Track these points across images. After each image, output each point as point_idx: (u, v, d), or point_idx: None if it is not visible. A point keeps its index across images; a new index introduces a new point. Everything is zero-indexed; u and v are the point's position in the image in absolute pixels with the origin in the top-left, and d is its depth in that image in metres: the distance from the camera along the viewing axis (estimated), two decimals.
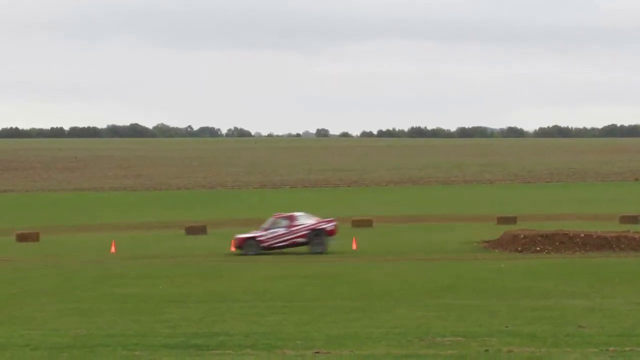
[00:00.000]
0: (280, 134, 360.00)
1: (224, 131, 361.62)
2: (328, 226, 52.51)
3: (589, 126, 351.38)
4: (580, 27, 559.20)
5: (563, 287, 33.56)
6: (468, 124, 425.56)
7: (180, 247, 56.78)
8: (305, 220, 52.66)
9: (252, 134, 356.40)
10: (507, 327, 20.47)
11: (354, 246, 53.70)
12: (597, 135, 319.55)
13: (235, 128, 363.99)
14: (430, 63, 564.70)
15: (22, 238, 61.61)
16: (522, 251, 50.89)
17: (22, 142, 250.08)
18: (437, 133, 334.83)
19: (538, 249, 51.06)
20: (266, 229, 52.55)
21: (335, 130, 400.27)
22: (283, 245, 52.17)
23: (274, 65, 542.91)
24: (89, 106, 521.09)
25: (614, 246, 50.79)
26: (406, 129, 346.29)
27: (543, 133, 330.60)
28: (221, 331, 19.95)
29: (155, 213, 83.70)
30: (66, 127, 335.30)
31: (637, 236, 51.79)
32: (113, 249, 54.27)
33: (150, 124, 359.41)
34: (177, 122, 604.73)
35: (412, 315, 24.18)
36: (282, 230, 52.16)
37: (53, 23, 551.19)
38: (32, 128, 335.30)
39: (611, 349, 16.36)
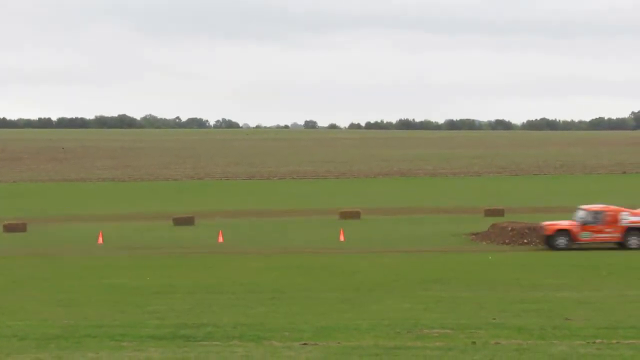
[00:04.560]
0: (269, 125, 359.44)
1: (212, 122, 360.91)
2: None
3: (576, 119, 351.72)
4: (568, 19, 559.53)
5: (551, 279, 33.65)
6: (456, 116, 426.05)
7: (168, 238, 56.70)
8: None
9: (240, 125, 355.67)
10: (494, 319, 20.50)
11: (342, 238, 53.72)
12: (585, 128, 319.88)
13: (224, 119, 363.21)
14: (418, 55, 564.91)
15: (9, 228, 61.41)
16: (509, 243, 51.01)
17: (10, 132, 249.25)
18: (425, 125, 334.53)
19: (526, 241, 51.18)
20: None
21: (323, 122, 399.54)
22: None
23: (262, 56, 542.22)
24: (77, 96, 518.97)
25: None
26: (394, 121, 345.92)
27: (531, 125, 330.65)
28: (209, 322, 19.93)
29: (143, 204, 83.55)
30: (54, 118, 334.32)
31: None
32: (100, 240, 54.17)
33: (138, 115, 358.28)
34: (165, 113, 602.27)
35: (400, 307, 24.21)
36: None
37: (40, 12, 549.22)
38: (20, 118, 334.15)
39: (598, 341, 16.39)
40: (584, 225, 48.62)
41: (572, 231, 48.56)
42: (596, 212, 48.99)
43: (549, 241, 48.66)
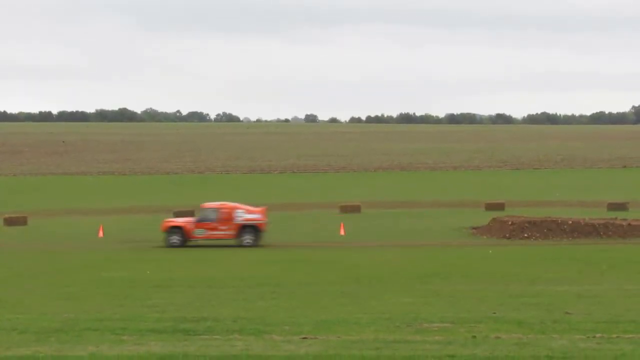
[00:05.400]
0: (269, 119, 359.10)
1: (212, 116, 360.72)
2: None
3: (577, 113, 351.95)
4: (569, 13, 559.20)
5: (551, 273, 33.64)
6: (457, 110, 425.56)
7: None
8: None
9: (241, 119, 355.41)
10: (494, 313, 20.51)
11: (342, 232, 53.71)
12: (585, 122, 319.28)
13: (224, 113, 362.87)
14: (419, 49, 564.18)
15: (9, 222, 61.41)
16: (510, 237, 50.98)
17: (10, 126, 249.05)
18: (426, 119, 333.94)
19: (526, 235, 51.15)
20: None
21: (323, 115, 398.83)
22: None
23: (262, 50, 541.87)
24: (77, 90, 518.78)
25: (601, 233, 50.95)
26: (395, 115, 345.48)
27: (531, 120, 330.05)
28: (209, 316, 19.94)
29: (144, 197, 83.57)
30: (54, 111, 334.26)
31: (624, 223, 51.96)
32: (101, 234, 54.20)
33: (138, 109, 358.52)
34: (165, 106, 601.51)
35: (400, 301, 24.22)
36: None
37: (40, 6, 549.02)
38: (21, 112, 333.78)
39: (598, 335, 16.39)
40: (199, 222, 48.81)
41: (186, 228, 48.67)
42: (212, 210, 49.13)
43: (165, 238, 48.84)
